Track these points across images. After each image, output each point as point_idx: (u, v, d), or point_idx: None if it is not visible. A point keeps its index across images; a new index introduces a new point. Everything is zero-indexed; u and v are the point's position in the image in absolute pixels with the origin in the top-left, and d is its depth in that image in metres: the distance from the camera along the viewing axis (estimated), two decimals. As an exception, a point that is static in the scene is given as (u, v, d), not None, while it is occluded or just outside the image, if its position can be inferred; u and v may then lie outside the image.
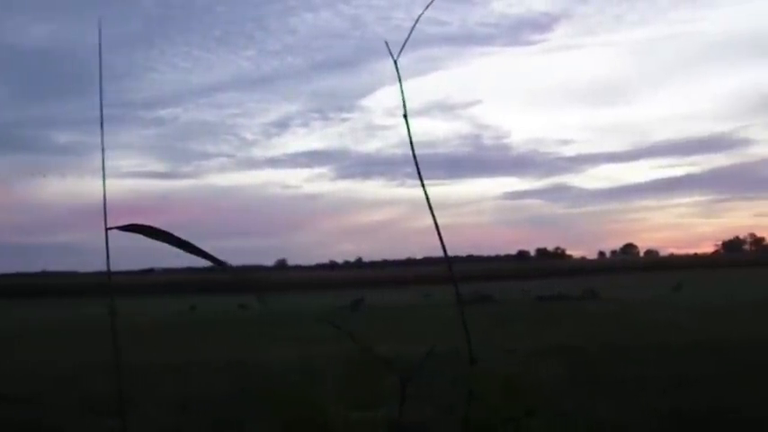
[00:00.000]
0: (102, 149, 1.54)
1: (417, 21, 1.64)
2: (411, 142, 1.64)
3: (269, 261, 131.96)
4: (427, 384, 5.14)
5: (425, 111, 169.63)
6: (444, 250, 1.68)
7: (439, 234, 1.65)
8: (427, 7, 1.66)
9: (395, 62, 1.65)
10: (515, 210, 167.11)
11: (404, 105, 1.66)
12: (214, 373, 11.07)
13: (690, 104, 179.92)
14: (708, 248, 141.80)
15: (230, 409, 8.15)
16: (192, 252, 1.45)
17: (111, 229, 1.40)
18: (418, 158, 1.59)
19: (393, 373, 2.39)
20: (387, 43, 1.64)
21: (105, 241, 1.41)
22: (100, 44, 1.58)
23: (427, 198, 1.63)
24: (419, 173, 1.63)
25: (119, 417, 7.70)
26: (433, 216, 1.64)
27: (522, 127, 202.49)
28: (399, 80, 1.65)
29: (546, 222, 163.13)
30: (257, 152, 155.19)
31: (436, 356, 3.67)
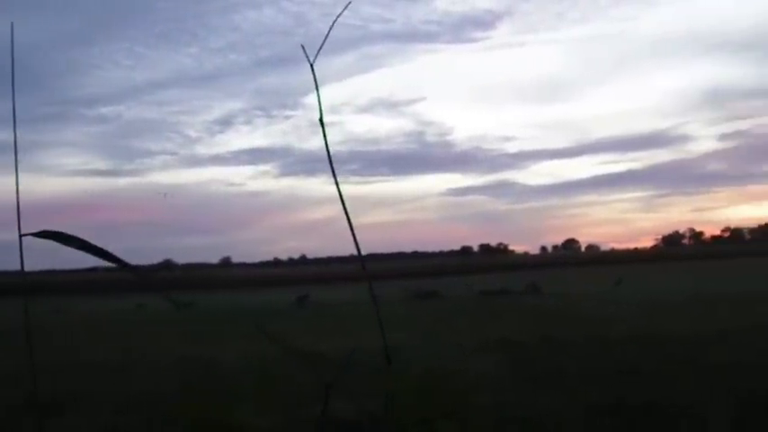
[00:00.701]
0: (15, 152, 1.53)
1: (334, 23, 1.65)
2: (327, 146, 1.66)
3: (214, 259, 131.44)
4: (361, 380, 5.16)
5: (369, 108, 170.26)
6: (358, 249, 1.69)
7: (352, 232, 1.66)
8: (345, 8, 1.67)
9: (311, 65, 1.66)
10: (459, 206, 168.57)
11: (320, 110, 1.68)
12: (158, 371, 11.00)
13: (630, 101, 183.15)
14: (648, 243, 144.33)
15: (174, 407, 8.11)
16: (102, 257, 1.45)
17: (25, 235, 1.40)
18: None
19: (316, 374, 2.40)
20: (303, 47, 1.65)
21: (19, 247, 1.41)
22: (12, 47, 1.57)
23: (341, 197, 1.64)
24: (334, 173, 1.65)
25: (56, 416, 7.65)
26: (347, 215, 1.66)
27: (465, 124, 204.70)
28: (316, 84, 1.66)
29: (489, 218, 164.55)
30: (201, 150, 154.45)
31: (378, 353, 3.68)
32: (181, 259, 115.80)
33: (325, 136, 1.51)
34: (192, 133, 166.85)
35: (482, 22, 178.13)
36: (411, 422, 2.52)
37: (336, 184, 1.48)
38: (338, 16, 1.48)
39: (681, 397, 7.54)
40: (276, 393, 8.10)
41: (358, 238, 1.59)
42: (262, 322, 18.57)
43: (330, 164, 1.48)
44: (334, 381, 1.68)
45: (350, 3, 1.60)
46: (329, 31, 1.51)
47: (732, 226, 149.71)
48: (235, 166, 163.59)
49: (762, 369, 8.95)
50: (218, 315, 24.45)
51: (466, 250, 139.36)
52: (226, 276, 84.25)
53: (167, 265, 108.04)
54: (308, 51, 1.54)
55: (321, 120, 1.54)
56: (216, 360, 11.93)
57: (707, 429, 6.56)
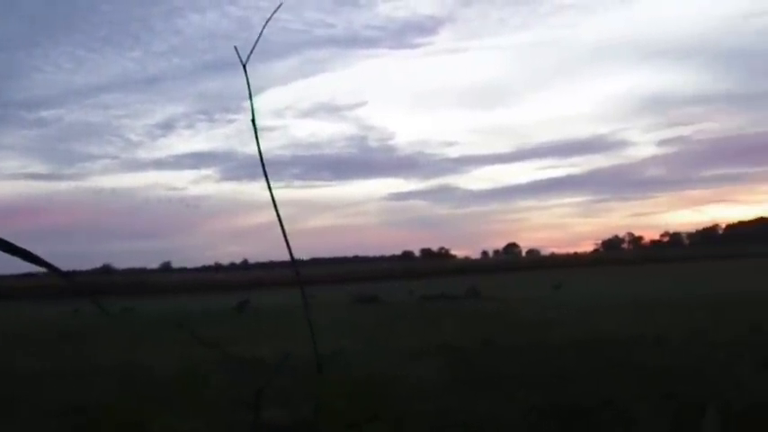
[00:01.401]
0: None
1: (266, 23, 1.63)
2: (258, 147, 1.63)
3: (154, 264, 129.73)
4: (296, 386, 5.12)
5: (312, 112, 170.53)
6: (290, 253, 1.67)
7: (285, 238, 1.64)
8: (277, 9, 1.64)
9: (243, 66, 1.64)
10: (400, 210, 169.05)
11: (252, 110, 1.65)
12: (94, 377, 10.84)
13: (570, 107, 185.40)
14: (587, 248, 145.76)
15: (107, 412, 7.98)
16: (29, 260, 1.41)
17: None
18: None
19: (251, 379, 2.37)
20: (236, 48, 1.62)
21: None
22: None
23: (274, 202, 1.62)
24: (266, 176, 1.63)
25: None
26: (280, 220, 1.63)
27: (406, 129, 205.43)
28: (248, 85, 1.64)
29: (430, 223, 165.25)
30: (142, 154, 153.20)
31: (313, 359, 3.65)
32: (120, 264, 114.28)
33: (257, 136, 1.49)
34: (134, 137, 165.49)
35: (424, 28, 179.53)
36: (340, 426, 2.49)
37: (267, 183, 1.46)
38: (270, 17, 1.47)
39: (619, 401, 7.60)
40: (211, 398, 8.03)
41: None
42: (201, 328, 18.40)
43: (261, 162, 1.46)
44: (266, 385, 1.65)
45: (281, 4, 1.59)
46: (262, 31, 1.50)
47: (671, 231, 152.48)
48: (176, 170, 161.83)
49: (699, 374, 9.08)
50: (157, 320, 24.15)
51: (407, 255, 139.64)
52: (166, 281, 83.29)
53: (106, 269, 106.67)
54: (248, 55, 1.52)
55: (253, 120, 1.52)
56: (152, 365, 11.78)
57: (644, 432, 6.63)
